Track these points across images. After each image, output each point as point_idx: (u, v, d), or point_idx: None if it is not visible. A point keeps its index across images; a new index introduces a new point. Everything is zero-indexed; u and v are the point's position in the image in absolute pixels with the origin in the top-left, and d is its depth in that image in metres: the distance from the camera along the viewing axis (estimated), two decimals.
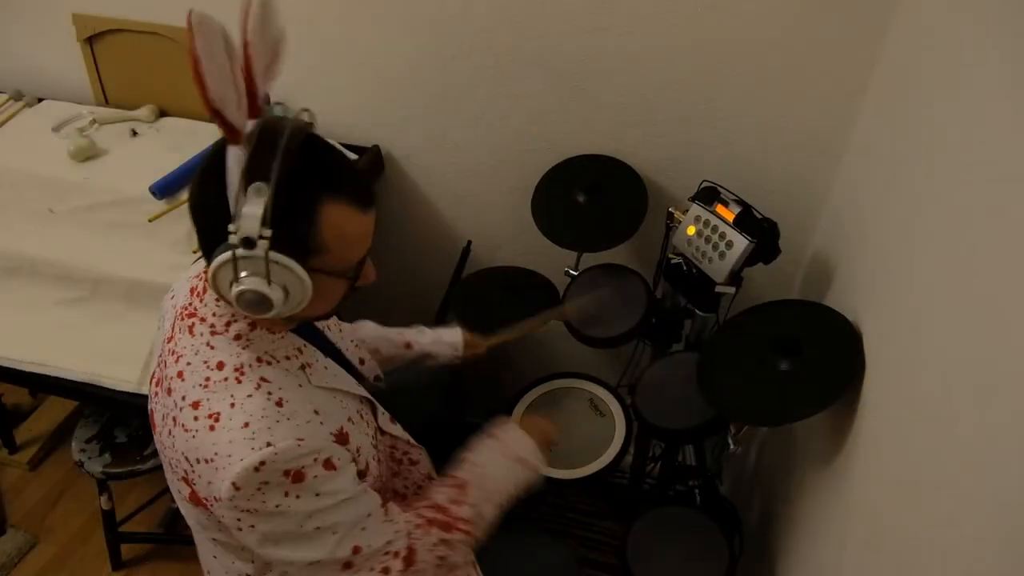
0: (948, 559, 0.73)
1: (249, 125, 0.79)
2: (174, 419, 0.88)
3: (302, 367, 0.94)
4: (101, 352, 1.49)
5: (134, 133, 1.75)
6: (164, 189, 1.56)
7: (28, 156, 1.69)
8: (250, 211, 0.76)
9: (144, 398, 1.42)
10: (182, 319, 0.93)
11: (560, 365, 1.65)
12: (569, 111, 1.53)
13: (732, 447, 1.24)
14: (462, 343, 1.38)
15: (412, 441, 1.15)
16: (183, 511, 1.00)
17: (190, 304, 0.92)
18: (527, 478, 1.11)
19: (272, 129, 0.78)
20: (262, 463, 0.82)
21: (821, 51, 1.30)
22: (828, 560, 1.10)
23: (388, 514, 0.96)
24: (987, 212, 0.77)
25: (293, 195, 0.79)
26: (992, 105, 0.80)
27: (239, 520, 0.86)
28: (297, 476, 0.84)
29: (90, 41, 1.77)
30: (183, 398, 0.87)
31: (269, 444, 0.83)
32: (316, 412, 0.91)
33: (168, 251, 1.55)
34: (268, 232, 0.77)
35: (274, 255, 0.78)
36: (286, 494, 0.85)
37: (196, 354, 0.89)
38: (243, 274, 0.79)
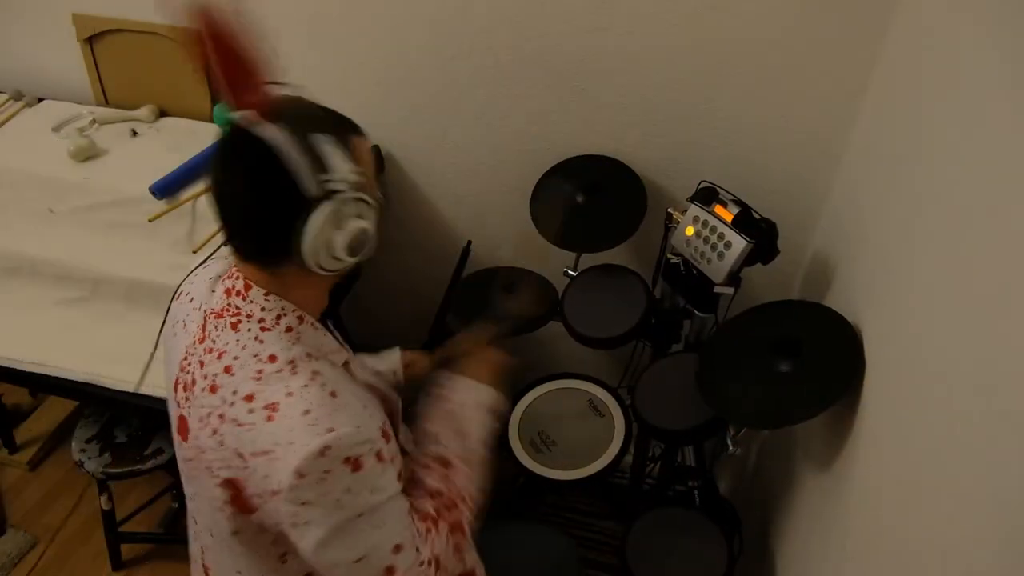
0: (948, 559, 0.73)
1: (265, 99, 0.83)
2: (221, 416, 0.87)
3: (345, 363, 0.95)
4: (101, 352, 1.49)
5: (134, 133, 1.75)
6: (164, 189, 1.56)
7: (28, 156, 1.69)
8: (337, 159, 0.82)
9: (144, 398, 1.43)
10: (219, 318, 0.92)
11: (560, 365, 1.65)
12: (569, 111, 1.53)
13: (731, 448, 1.24)
14: (400, 366, 1.29)
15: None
16: (206, 522, 0.97)
17: (229, 305, 0.92)
18: (494, 421, 1.12)
19: (291, 95, 0.84)
20: (327, 447, 0.81)
21: (821, 51, 1.30)
22: (828, 560, 1.10)
23: (412, 519, 0.94)
24: (987, 212, 0.77)
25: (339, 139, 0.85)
26: (992, 105, 0.80)
27: (296, 515, 0.83)
28: (356, 465, 0.84)
29: (90, 41, 1.77)
30: (233, 393, 0.86)
31: (331, 430, 0.82)
32: (364, 407, 0.91)
33: (168, 251, 1.55)
34: (360, 169, 0.84)
35: (359, 193, 0.85)
36: (344, 485, 0.84)
37: (244, 348, 0.88)
38: (349, 216, 0.85)
